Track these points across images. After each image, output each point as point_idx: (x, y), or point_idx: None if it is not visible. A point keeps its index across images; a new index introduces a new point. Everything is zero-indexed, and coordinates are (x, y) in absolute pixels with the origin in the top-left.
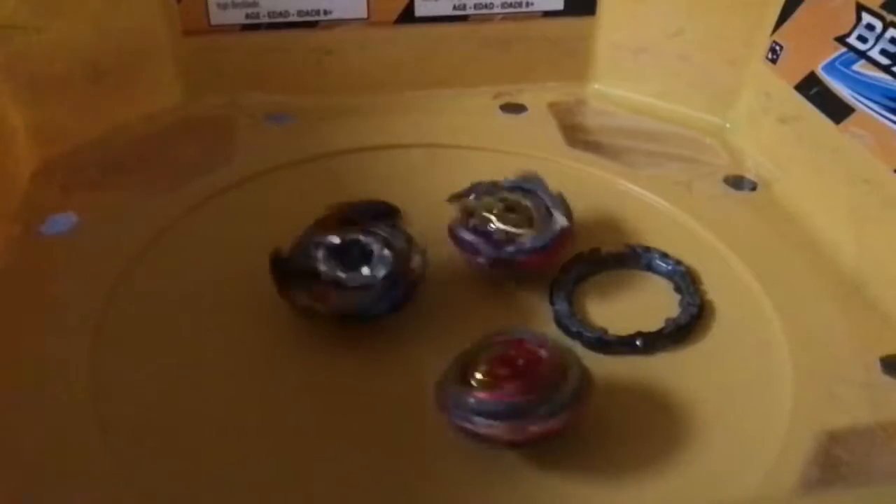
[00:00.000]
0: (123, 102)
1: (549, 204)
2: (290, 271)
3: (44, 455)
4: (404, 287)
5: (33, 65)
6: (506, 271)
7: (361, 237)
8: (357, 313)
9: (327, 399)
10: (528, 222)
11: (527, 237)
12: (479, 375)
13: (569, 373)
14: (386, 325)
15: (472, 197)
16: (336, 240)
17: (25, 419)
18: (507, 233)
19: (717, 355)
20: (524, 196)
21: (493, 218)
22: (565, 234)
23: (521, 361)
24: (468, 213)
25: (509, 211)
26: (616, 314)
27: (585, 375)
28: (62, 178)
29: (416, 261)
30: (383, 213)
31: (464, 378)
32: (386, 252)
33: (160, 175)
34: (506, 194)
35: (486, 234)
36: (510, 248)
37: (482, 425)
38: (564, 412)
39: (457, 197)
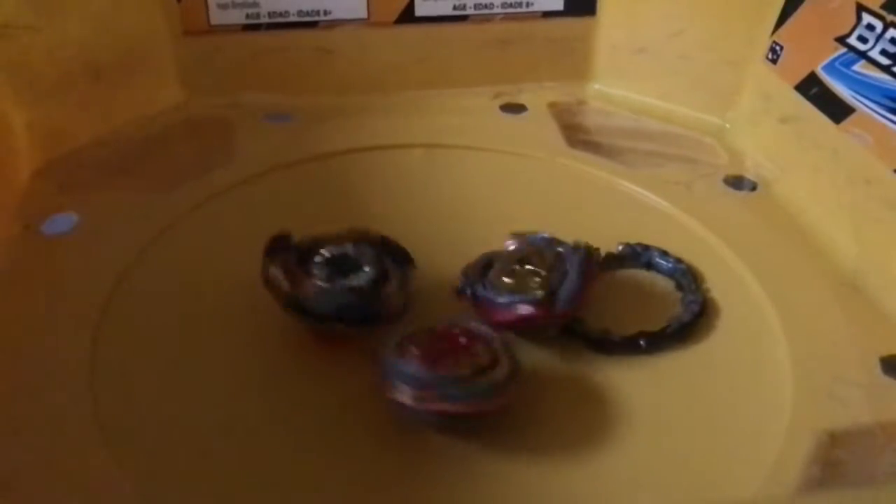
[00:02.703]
0: (123, 102)
1: (539, 240)
2: (282, 249)
3: (44, 455)
4: (363, 310)
5: (34, 65)
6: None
7: (361, 257)
8: (303, 307)
9: (326, 401)
10: (549, 260)
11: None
12: (415, 350)
13: (500, 360)
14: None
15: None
16: (337, 250)
17: (25, 419)
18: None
19: (717, 356)
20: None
21: (536, 270)
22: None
23: (460, 344)
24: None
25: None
26: (617, 314)
27: (516, 363)
28: (62, 178)
29: (392, 297)
30: (399, 258)
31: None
32: (367, 275)
33: (160, 175)
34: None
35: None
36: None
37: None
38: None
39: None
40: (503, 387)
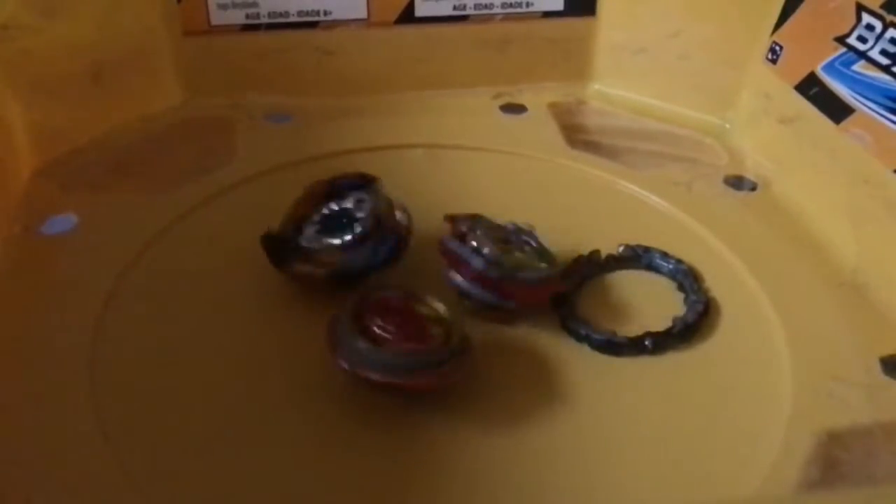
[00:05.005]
0: (123, 102)
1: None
2: (281, 247)
3: (44, 455)
4: (392, 241)
5: (33, 65)
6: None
7: (344, 205)
8: (352, 272)
9: (327, 404)
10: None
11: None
12: (377, 330)
13: (453, 335)
14: None
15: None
16: (322, 211)
17: (25, 419)
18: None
19: (717, 356)
20: (518, 240)
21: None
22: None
23: (412, 319)
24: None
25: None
26: (619, 316)
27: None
28: (62, 178)
29: (399, 216)
30: (361, 185)
31: (361, 329)
32: (367, 213)
33: (160, 175)
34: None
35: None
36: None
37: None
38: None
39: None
40: (440, 364)
